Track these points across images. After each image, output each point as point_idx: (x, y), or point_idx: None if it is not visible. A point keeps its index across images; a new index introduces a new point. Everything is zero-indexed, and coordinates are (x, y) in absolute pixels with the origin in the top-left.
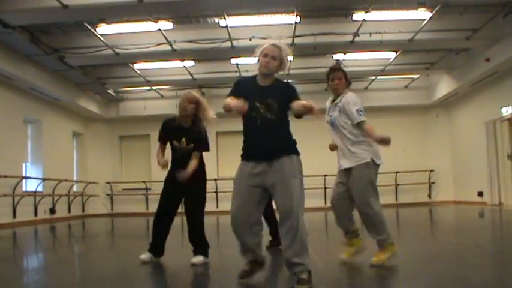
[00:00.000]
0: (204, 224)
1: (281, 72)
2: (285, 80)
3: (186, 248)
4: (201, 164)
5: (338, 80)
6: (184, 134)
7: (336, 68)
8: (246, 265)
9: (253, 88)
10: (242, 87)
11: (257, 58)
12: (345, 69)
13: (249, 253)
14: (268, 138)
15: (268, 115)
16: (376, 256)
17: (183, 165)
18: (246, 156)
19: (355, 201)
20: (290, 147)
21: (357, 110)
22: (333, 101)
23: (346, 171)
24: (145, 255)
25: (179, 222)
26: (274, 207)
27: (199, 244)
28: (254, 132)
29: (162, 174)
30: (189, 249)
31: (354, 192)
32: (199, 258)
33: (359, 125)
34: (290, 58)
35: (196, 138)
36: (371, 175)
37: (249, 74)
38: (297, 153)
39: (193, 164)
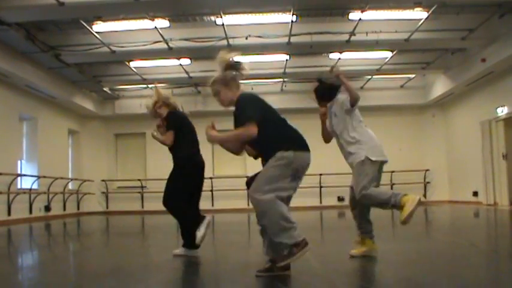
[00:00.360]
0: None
1: (276, 71)
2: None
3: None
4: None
5: (322, 106)
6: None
7: (315, 90)
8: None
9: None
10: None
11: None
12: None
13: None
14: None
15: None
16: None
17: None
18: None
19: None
20: (269, 153)
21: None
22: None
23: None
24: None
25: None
26: None
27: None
28: None
29: (157, 173)
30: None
31: (355, 188)
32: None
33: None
34: (220, 66)
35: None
36: (366, 171)
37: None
38: (275, 152)
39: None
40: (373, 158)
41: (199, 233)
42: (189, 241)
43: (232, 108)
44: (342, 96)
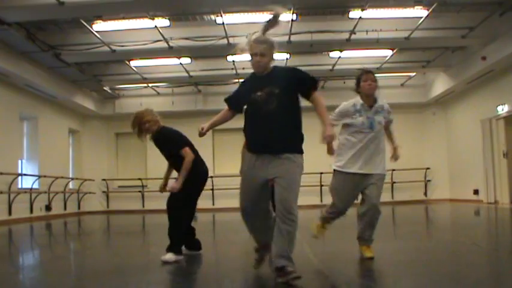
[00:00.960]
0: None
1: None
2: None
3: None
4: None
5: (371, 81)
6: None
7: (370, 70)
8: (256, 254)
9: (251, 81)
10: (242, 86)
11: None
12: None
13: (259, 236)
14: (269, 129)
15: (268, 104)
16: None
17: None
18: (249, 148)
19: (374, 204)
20: (294, 144)
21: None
22: (365, 103)
23: (364, 176)
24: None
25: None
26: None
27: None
28: (255, 125)
29: (157, 172)
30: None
31: (370, 196)
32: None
33: (390, 125)
34: (276, 39)
35: (161, 147)
36: None
37: (246, 71)
38: (301, 152)
39: (184, 170)
40: None
41: (170, 257)
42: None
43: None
44: (387, 106)
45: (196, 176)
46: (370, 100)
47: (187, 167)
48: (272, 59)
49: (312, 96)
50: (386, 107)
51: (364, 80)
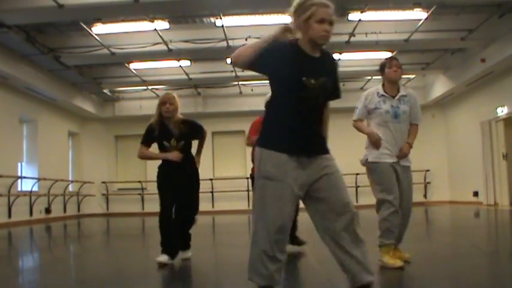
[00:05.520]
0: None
1: None
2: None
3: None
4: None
5: (396, 67)
6: (172, 134)
7: (395, 57)
8: None
9: (299, 58)
10: (277, 55)
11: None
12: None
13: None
14: (312, 127)
15: (319, 98)
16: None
17: (177, 163)
18: (281, 146)
19: (406, 202)
20: (326, 145)
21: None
22: (388, 92)
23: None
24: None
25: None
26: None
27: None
28: (298, 117)
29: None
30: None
31: (408, 193)
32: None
33: (414, 126)
34: None
35: (190, 132)
36: None
37: (245, 74)
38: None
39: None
40: None
41: (163, 258)
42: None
43: (233, 109)
44: (412, 95)
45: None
46: (393, 89)
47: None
48: None
49: (328, 103)
50: (412, 96)
51: (389, 67)
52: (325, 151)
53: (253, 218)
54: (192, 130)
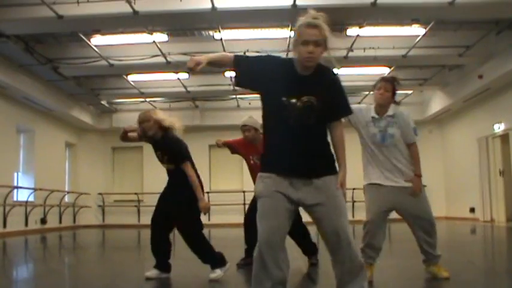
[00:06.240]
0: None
1: None
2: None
3: (183, 260)
4: (184, 179)
5: (384, 90)
6: (158, 148)
7: (386, 78)
8: None
9: (288, 76)
10: (269, 68)
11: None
12: (396, 84)
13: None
14: (304, 148)
15: (306, 118)
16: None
17: (170, 183)
18: (271, 167)
19: (423, 219)
20: (333, 164)
21: (413, 128)
22: (378, 114)
23: (391, 190)
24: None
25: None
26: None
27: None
28: (284, 139)
29: (154, 186)
30: (186, 261)
31: (415, 210)
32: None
33: (412, 146)
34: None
35: (166, 151)
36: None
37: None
38: (336, 172)
39: (194, 186)
40: None
41: (216, 274)
42: (165, 263)
43: (231, 122)
44: (409, 116)
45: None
46: (382, 111)
47: (196, 183)
48: (326, 49)
49: (336, 122)
50: (400, 115)
51: (377, 88)
52: (325, 172)
53: None
54: (169, 152)
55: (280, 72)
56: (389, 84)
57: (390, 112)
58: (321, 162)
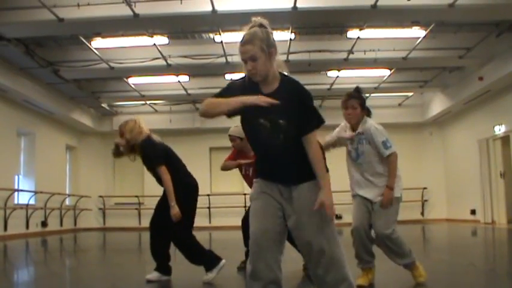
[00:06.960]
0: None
1: None
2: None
3: (184, 263)
4: (174, 180)
5: (352, 109)
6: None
7: (351, 95)
8: None
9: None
10: (238, 94)
11: None
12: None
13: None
14: (280, 162)
15: (274, 139)
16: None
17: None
18: (260, 173)
19: (380, 233)
20: (310, 172)
21: (383, 142)
22: (353, 130)
23: (367, 201)
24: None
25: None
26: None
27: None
28: (262, 153)
29: (155, 189)
30: (187, 264)
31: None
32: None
33: (387, 158)
34: (272, 35)
35: (143, 158)
36: (397, 210)
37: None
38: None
39: (167, 190)
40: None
41: (211, 275)
42: (166, 265)
43: (231, 125)
44: (377, 129)
45: (186, 189)
46: (355, 128)
47: (169, 188)
48: (269, 59)
49: (308, 136)
50: (368, 131)
51: (344, 108)
52: (300, 181)
53: None
54: (144, 157)
55: (248, 94)
56: (355, 100)
57: (360, 129)
58: (296, 173)
